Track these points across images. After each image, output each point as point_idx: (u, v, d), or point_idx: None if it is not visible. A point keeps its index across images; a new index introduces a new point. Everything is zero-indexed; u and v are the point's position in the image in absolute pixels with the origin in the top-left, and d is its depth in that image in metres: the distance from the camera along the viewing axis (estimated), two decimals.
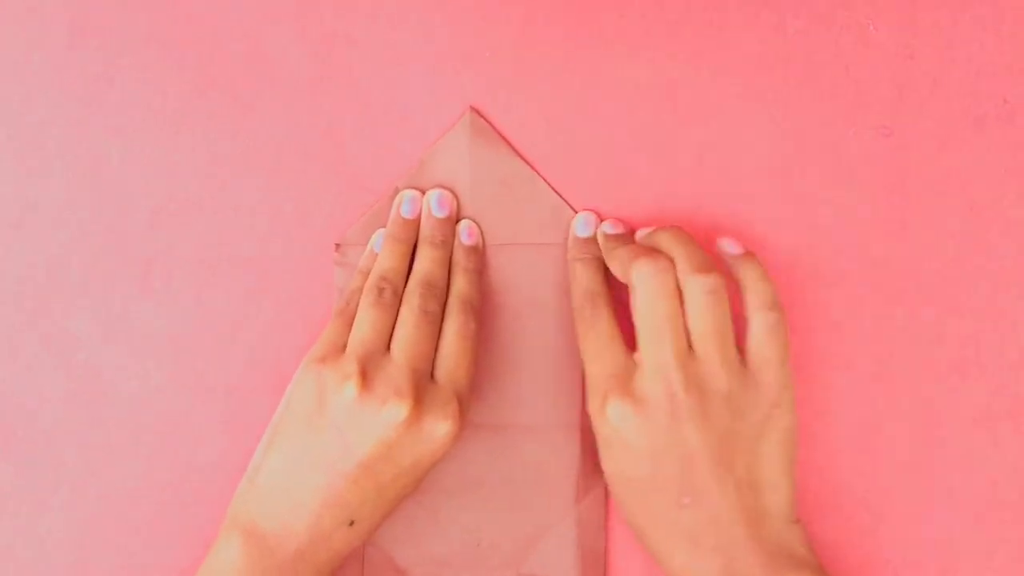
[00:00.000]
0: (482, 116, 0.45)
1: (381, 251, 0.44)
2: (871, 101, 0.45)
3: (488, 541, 0.44)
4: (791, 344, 0.40)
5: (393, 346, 0.41)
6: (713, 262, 0.40)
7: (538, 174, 0.45)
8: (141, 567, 0.44)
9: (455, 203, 0.45)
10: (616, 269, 0.42)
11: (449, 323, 0.42)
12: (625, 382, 0.39)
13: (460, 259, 0.44)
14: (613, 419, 0.39)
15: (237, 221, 0.45)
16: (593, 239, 0.44)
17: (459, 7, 0.45)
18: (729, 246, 0.42)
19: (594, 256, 0.44)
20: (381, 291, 0.42)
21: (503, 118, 0.45)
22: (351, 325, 0.42)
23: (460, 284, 0.43)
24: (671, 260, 0.40)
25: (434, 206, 0.44)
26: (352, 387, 0.39)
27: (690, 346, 0.39)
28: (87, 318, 0.45)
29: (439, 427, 0.40)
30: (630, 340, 0.41)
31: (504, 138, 0.45)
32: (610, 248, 0.43)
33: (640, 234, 0.43)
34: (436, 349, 0.42)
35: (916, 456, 0.44)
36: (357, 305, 0.42)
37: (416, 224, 0.44)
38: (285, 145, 0.45)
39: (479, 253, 0.44)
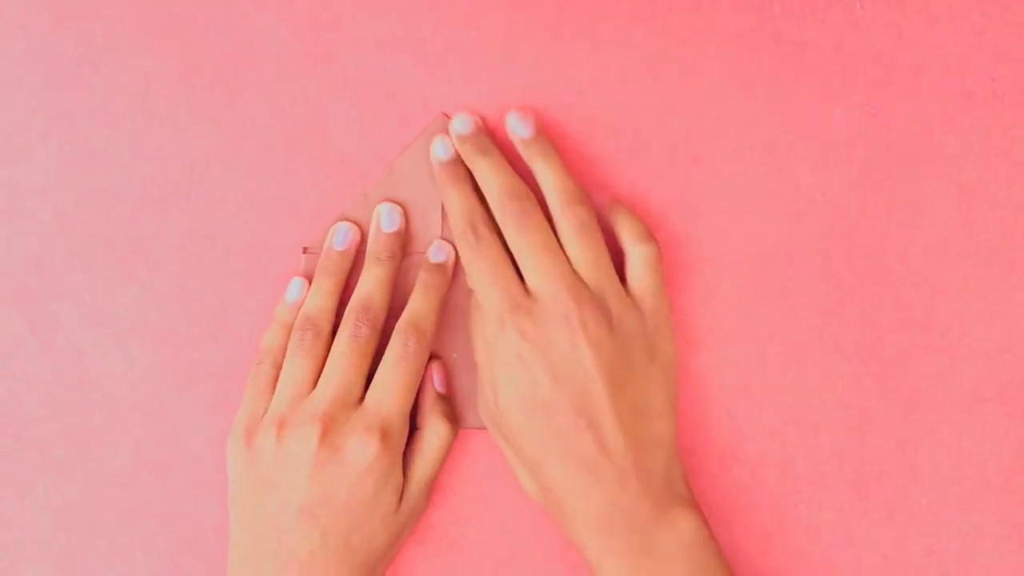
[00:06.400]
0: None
1: (311, 287, 0.43)
2: (858, 80, 0.44)
3: None
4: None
5: (320, 379, 0.41)
6: (582, 191, 0.41)
7: None
8: (125, 550, 0.44)
9: (404, 219, 0.44)
10: (483, 188, 0.41)
11: (390, 345, 0.41)
12: (523, 306, 0.39)
13: (424, 276, 0.43)
14: (514, 341, 0.38)
15: (216, 212, 0.45)
16: (458, 161, 0.42)
17: (431, 8, 0.45)
18: (599, 198, 0.43)
19: (466, 178, 0.42)
20: (303, 335, 0.41)
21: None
22: (266, 388, 0.42)
23: (414, 304, 0.42)
24: (532, 194, 0.41)
25: (384, 220, 0.43)
26: (271, 438, 0.39)
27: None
28: (71, 302, 0.44)
29: (361, 451, 0.39)
30: None
31: None
32: (475, 160, 0.42)
33: (514, 134, 0.42)
34: (374, 371, 0.41)
35: (903, 439, 0.44)
36: (271, 366, 0.42)
37: (349, 256, 0.43)
38: (262, 140, 0.45)
39: (446, 273, 0.43)
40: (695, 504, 0.40)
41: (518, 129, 0.42)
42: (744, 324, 0.44)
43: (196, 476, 0.44)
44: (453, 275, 0.43)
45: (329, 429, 0.39)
